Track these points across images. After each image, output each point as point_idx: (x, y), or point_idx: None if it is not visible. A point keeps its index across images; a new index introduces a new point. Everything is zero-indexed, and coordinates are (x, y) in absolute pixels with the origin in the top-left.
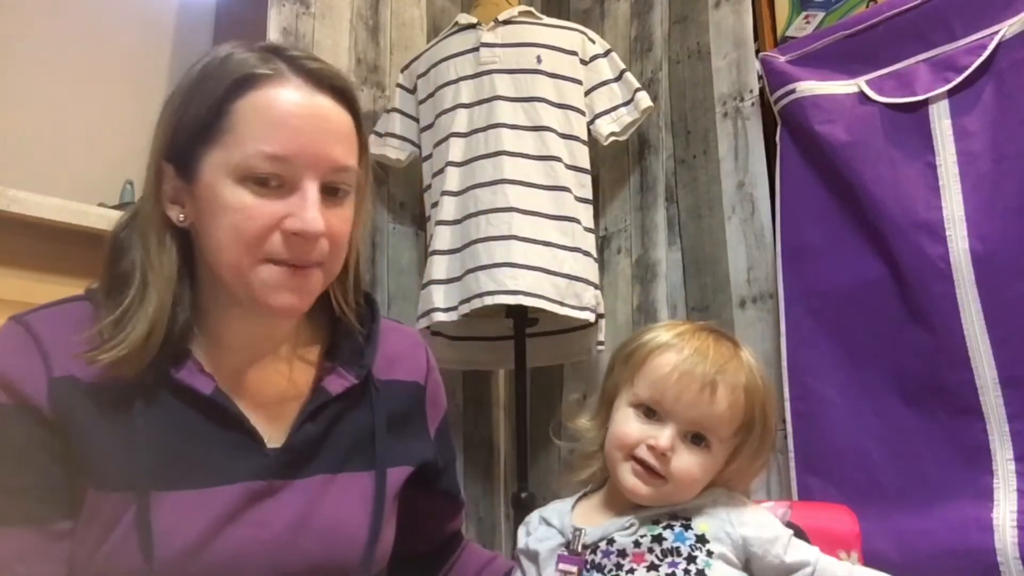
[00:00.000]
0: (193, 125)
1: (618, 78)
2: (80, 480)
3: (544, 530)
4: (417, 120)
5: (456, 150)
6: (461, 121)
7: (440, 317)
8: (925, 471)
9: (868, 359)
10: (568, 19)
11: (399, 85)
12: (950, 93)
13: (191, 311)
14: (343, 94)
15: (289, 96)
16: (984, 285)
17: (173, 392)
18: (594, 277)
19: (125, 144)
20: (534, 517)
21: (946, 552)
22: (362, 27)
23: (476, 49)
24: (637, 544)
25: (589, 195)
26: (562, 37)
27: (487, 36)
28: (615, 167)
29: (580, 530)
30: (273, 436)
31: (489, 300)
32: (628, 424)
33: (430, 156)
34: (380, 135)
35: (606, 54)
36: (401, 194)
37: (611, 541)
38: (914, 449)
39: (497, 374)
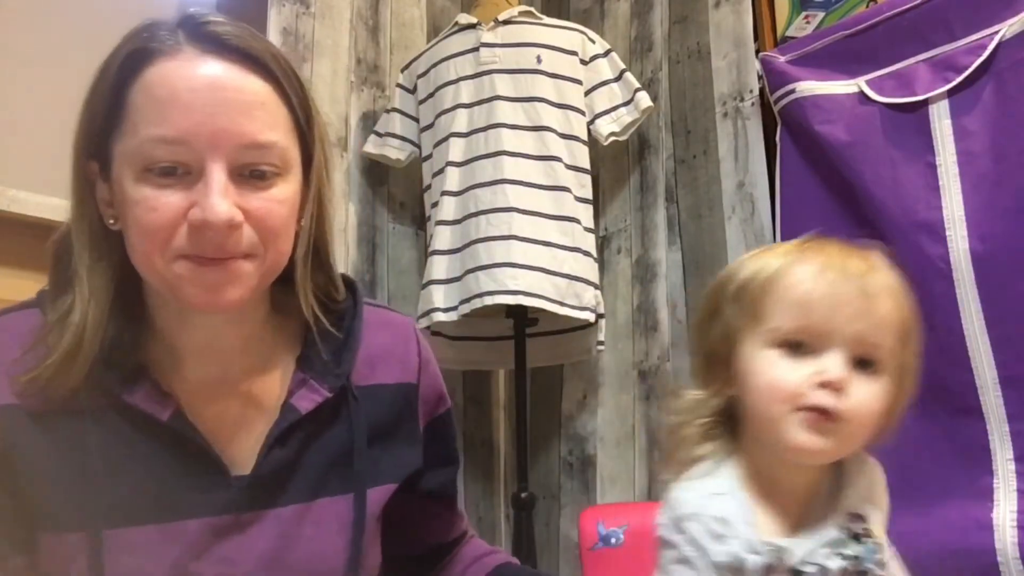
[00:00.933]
0: (100, 113)
1: (618, 78)
2: (30, 518)
3: (736, 543)
4: (417, 120)
5: (456, 150)
6: (461, 121)
7: (440, 317)
8: (925, 471)
9: None
10: (568, 19)
11: (399, 85)
12: (950, 93)
13: (143, 322)
14: (255, 59)
15: (180, 69)
16: (984, 285)
17: (128, 419)
18: (594, 277)
19: None
20: (708, 518)
21: (946, 552)
22: (362, 27)
23: (476, 49)
24: (844, 570)
25: (589, 195)
26: (562, 37)
27: (487, 36)
28: (615, 167)
29: (780, 548)
30: (239, 461)
31: (489, 300)
32: (779, 369)
33: (430, 156)
34: (380, 135)
35: (606, 54)
36: (401, 194)
37: (823, 569)
38: (914, 449)
39: (497, 374)
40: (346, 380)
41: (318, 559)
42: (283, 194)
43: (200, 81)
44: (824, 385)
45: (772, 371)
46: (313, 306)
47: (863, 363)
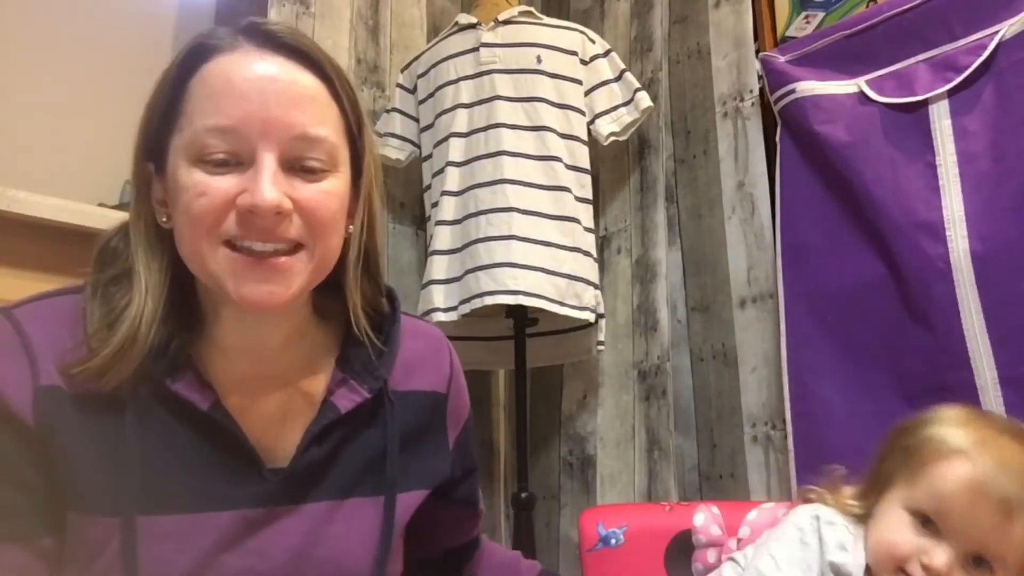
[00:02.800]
0: (159, 114)
1: (618, 78)
2: (62, 499)
3: (842, 554)
4: (417, 120)
5: (456, 150)
6: (461, 121)
7: (440, 317)
8: None
9: (868, 359)
10: (568, 19)
11: (399, 85)
12: (950, 93)
13: (192, 317)
14: (306, 56)
15: (237, 62)
16: (984, 285)
17: (168, 407)
18: (594, 277)
19: (125, 144)
20: (843, 529)
21: None
22: (362, 27)
23: (476, 49)
24: None
25: (589, 195)
26: (562, 37)
27: (487, 36)
28: (615, 167)
29: None
30: (276, 455)
31: (489, 300)
32: (900, 534)
33: (430, 156)
34: (380, 135)
35: (606, 54)
36: (401, 194)
37: None
38: None
39: (497, 374)
40: (384, 383)
41: (344, 557)
42: (333, 187)
43: (255, 72)
44: (925, 568)
45: (896, 532)
46: (358, 311)
47: (978, 560)
